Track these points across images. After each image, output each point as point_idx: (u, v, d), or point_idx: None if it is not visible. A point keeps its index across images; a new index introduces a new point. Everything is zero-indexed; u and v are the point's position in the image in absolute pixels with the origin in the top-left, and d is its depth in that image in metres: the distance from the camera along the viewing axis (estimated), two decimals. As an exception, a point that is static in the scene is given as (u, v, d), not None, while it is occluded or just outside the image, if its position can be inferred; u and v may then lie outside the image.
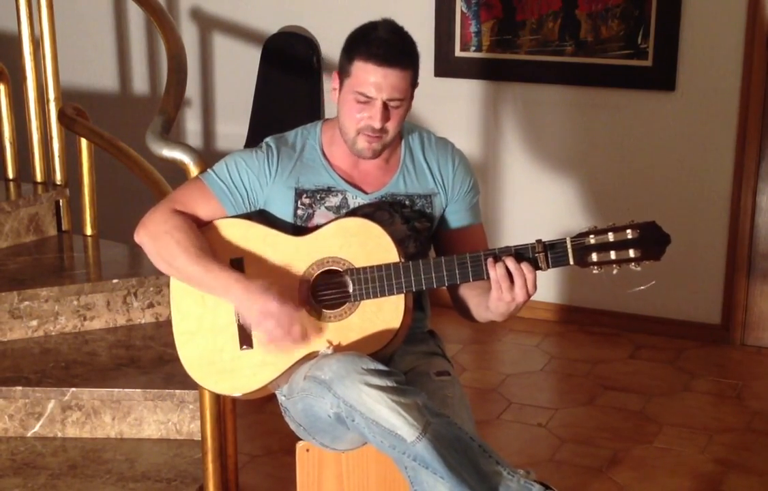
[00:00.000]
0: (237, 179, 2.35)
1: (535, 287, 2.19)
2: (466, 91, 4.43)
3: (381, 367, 2.14)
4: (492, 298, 2.21)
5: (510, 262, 2.18)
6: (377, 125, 2.25)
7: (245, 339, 2.30)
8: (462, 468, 2.09)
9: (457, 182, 2.42)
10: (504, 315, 2.24)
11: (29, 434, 3.02)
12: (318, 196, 2.36)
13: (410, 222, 2.38)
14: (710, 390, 3.84)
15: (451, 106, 4.44)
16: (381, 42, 2.25)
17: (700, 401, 3.74)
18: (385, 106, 2.25)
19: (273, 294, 2.21)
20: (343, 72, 2.30)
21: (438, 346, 2.49)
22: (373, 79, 2.23)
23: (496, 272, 2.18)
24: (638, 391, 3.81)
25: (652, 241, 2.17)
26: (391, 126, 2.28)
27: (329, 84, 4.28)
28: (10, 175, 3.89)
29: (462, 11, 4.33)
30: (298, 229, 2.35)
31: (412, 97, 2.32)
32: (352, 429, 2.14)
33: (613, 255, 2.18)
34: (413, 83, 2.30)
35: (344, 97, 2.29)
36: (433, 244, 2.47)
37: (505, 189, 4.47)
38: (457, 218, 2.43)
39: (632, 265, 2.19)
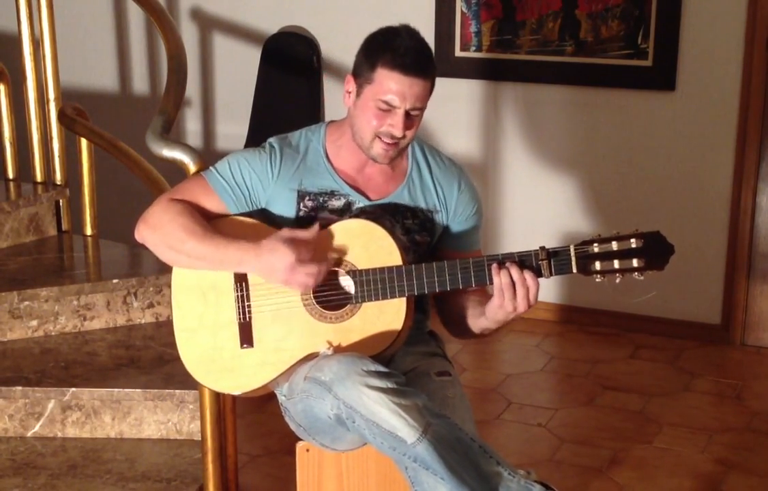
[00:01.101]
0: (239, 178, 2.35)
1: (536, 299, 2.19)
2: (466, 91, 4.43)
3: (381, 369, 2.14)
4: (492, 305, 2.21)
5: (514, 272, 2.18)
6: (398, 133, 2.25)
7: (246, 337, 2.30)
8: (462, 469, 2.09)
9: (459, 206, 2.41)
10: (501, 323, 2.25)
11: (29, 434, 3.02)
12: (321, 199, 2.35)
13: (411, 233, 2.38)
14: (710, 390, 3.84)
15: (451, 106, 4.44)
16: (407, 50, 2.23)
17: (700, 401, 3.74)
18: (407, 115, 2.25)
19: (285, 247, 2.20)
20: (363, 77, 2.27)
21: (438, 347, 2.49)
22: (398, 88, 2.22)
23: (500, 280, 2.17)
24: (638, 391, 3.81)
25: (656, 250, 2.17)
26: (410, 133, 2.28)
27: (329, 84, 4.34)
28: (10, 175, 3.88)
29: (462, 11, 4.33)
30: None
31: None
32: (353, 430, 2.14)
33: (616, 264, 2.17)
34: (431, 92, 2.30)
35: (364, 103, 2.27)
36: None
37: (506, 189, 4.47)
38: (455, 241, 2.43)
39: (636, 274, 2.18)
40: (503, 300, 2.18)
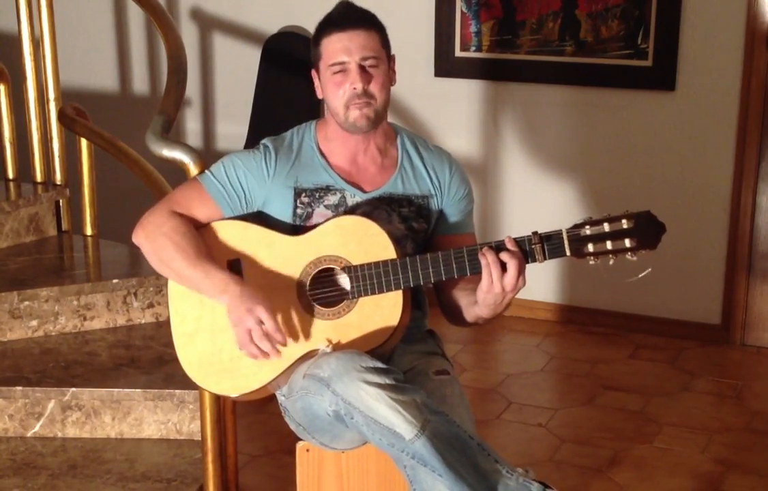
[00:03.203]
0: (235, 181, 2.36)
1: (524, 279, 2.19)
2: (466, 91, 4.43)
3: (380, 365, 2.14)
4: (482, 289, 2.20)
5: (502, 252, 2.18)
6: (359, 86, 2.28)
7: (245, 339, 2.30)
8: (460, 466, 2.09)
9: (453, 187, 2.43)
10: (492, 307, 2.23)
11: (29, 434, 3.02)
12: (317, 195, 2.36)
13: (408, 222, 2.39)
14: (710, 390, 3.84)
15: (451, 106, 4.44)
16: (339, 13, 2.33)
17: (700, 401, 3.74)
18: (362, 69, 2.28)
19: (263, 302, 2.21)
20: (316, 60, 2.36)
21: (437, 346, 2.49)
22: (340, 45, 2.29)
23: (487, 259, 2.17)
24: (638, 391, 3.81)
25: (647, 230, 2.17)
26: (376, 89, 2.30)
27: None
28: (10, 175, 3.89)
29: (462, 11, 4.33)
30: (296, 228, 2.36)
31: (390, 64, 2.36)
32: (351, 427, 2.14)
33: (609, 245, 2.18)
34: (384, 46, 2.34)
35: (324, 80, 2.34)
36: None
37: (505, 189, 4.47)
38: (449, 225, 2.44)
39: (628, 255, 2.19)
40: (491, 281, 2.17)
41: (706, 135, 4.13)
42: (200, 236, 2.34)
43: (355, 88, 2.28)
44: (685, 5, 4.04)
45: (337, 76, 2.30)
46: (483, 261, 2.18)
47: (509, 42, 4.30)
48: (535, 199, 4.42)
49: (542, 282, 4.39)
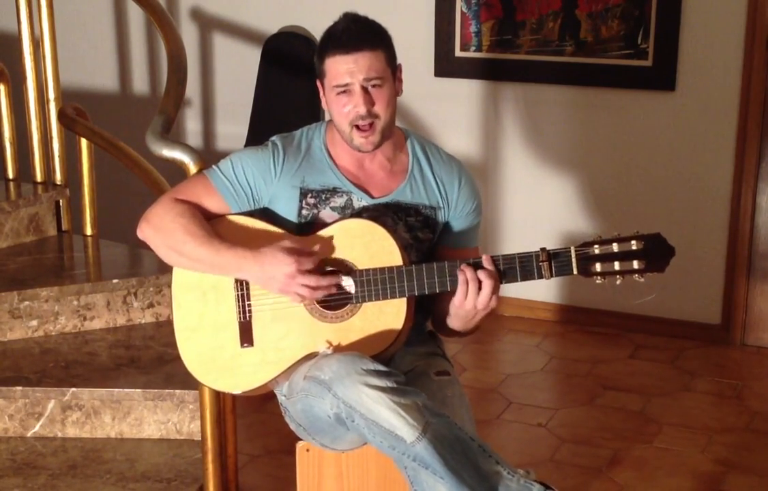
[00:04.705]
0: (242, 177, 2.35)
1: (497, 299, 2.20)
2: (466, 91, 4.43)
3: (381, 368, 2.14)
4: (453, 303, 2.23)
5: (480, 271, 2.19)
6: (362, 109, 2.26)
7: (246, 337, 2.30)
8: (462, 468, 2.09)
9: (461, 201, 2.41)
10: (464, 320, 2.27)
11: (29, 434, 3.02)
12: (323, 196, 2.35)
13: (413, 231, 2.38)
14: (710, 390, 3.84)
15: (451, 106, 4.44)
16: (343, 31, 2.29)
17: (700, 401, 3.74)
18: (366, 90, 2.26)
19: (286, 256, 2.21)
20: (321, 75, 2.33)
21: (438, 346, 2.49)
22: (344, 67, 2.26)
23: (466, 275, 2.19)
24: (638, 391, 3.81)
25: (656, 252, 2.17)
26: (380, 109, 2.28)
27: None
28: (10, 175, 3.89)
29: (462, 11, 4.33)
30: (301, 228, 2.35)
31: (395, 78, 2.33)
32: (352, 429, 2.14)
33: (617, 266, 2.18)
34: (390, 63, 2.31)
35: (329, 98, 2.32)
36: None
37: (505, 189, 4.47)
38: (454, 238, 2.43)
39: (636, 276, 2.19)
40: (465, 295, 2.19)
41: (706, 135, 4.13)
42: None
43: (358, 112, 2.26)
44: (685, 5, 4.04)
45: (342, 96, 2.27)
46: (461, 277, 2.20)
47: (509, 42, 4.30)
48: (535, 199, 4.42)
49: (543, 282, 4.37)
